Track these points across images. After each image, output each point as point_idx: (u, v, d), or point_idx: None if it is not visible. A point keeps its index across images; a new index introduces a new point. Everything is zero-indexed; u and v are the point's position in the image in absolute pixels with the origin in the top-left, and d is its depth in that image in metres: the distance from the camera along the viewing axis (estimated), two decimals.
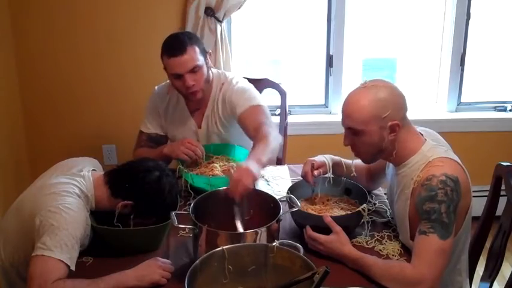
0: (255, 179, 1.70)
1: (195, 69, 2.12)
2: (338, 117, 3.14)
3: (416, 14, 3.32)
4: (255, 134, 2.07)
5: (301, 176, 1.95)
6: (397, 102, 1.63)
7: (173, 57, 2.10)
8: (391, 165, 1.81)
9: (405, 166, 1.67)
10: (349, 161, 2.01)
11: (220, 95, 2.28)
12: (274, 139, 2.01)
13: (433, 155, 1.62)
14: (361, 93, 1.64)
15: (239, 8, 2.85)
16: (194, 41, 2.16)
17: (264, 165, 1.84)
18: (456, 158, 1.64)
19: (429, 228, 1.52)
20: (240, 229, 1.65)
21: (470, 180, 1.65)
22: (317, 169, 1.92)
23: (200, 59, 2.14)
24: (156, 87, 2.40)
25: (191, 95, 2.18)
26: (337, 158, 1.99)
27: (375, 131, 1.61)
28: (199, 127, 2.34)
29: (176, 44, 2.11)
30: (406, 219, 1.67)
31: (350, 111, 1.64)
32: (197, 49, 2.13)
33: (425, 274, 1.50)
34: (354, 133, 1.65)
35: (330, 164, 1.95)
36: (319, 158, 1.96)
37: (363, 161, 1.76)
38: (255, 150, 1.92)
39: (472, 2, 3.06)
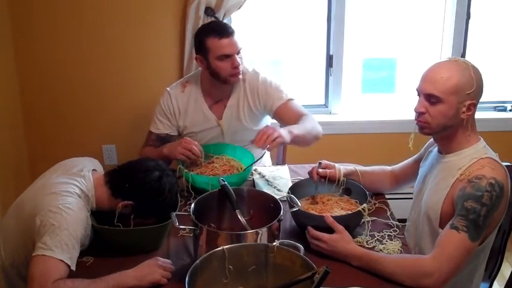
0: (280, 135, 1.96)
1: (239, 52, 2.24)
2: (338, 117, 3.22)
3: (416, 14, 3.32)
4: (297, 122, 2.23)
5: (308, 173, 1.99)
6: (481, 84, 1.63)
7: (225, 38, 2.19)
8: (432, 153, 1.81)
9: (456, 155, 1.67)
10: (365, 168, 2.03)
11: (247, 86, 2.36)
12: (312, 122, 2.25)
13: (486, 153, 1.63)
14: (451, 63, 1.63)
15: (239, 8, 2.85)
16: None
17: (293, 135, 2.04)
18: (505, 167, 1.64)
19: (463, 226, 1.52)
20: (248, 228, 1.64)
21: None
22: (324, 168, 1.94)
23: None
24: (168, 89, 2.40)
25: (234, 77, 2.26)
26: (350, 167, 2.00)
27: (454, 104, 1.60)
28: (220, 118, 2.37)
29: (226, 27, 2.24)
30: (439, 208, 1.66)
31: (436, 78, 1.62)
32: None
33: (444, 266, 1.50)
34: (431, 101, 1.63)
35: (342, 172, 1.95)
36: (332, 163, 1.99)
37: (426, 131, 1.70)
38: (288, 126, 2.08)
39: (472, 2, 3.05)
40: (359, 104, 3.36)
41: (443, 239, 1.55)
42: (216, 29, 2.22)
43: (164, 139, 2.37)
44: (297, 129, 2.11)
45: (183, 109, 2.37)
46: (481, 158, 1.61)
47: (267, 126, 2.08)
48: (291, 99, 2.34)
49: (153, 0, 2.91)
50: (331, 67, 3.15)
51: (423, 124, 1.67)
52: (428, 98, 1.63)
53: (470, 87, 1.60)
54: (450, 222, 1.56)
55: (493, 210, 1.54)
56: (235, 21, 3.08)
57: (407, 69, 3.60)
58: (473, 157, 1.63)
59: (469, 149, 1.66)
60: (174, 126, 2.39)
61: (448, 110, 1.61)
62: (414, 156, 1.97)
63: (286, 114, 2.32)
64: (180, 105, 2.36)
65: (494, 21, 3.32)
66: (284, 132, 2.03)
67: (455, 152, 1.68)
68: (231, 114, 2.37)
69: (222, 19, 2.85)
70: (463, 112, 1.61)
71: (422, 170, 1.85)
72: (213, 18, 2.83)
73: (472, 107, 1.62)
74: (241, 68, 2.25)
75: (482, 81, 1.64)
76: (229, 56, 2.20)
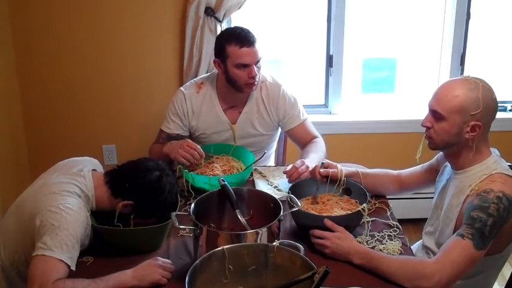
0: (308, 171, 2.02)
1: (258, 62, 2.23)
2: (338, 117, 3.22)
3: (416, 14, 3.32)
4: (307, 144, 2.36)
5: (310, 172, 2.00)
6: (490, 106, 1.63)
7: (246, 47, 2.18)
8: (447, 169, 1.81)
9: (466, 172, 1.67)
10: (368, 170, 2.03)
11: (263, 96, 2.37)
12: (322, 148, 2.34)
13: (496, 169, 1.63)
14: (460, 83, 1.63)
15: (239, 7, 2.85)
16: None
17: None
18: None
19: (468, 234, 1.52)
20: (248, 228, 1.64)
21: None
22: (326, 168, 1.95)
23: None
24: (182, 89, 2.39)
25: (249, 86, 2.26)
26: (352, 169, 2.01)
27: (457, 123, 1.61)
28: (234, 123, 2.38)
29: (248, 36, 2.21)
30: (452, 225, 1.66)
31: (442, 95, 1.64)
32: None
33: (445, 270, 1.51)
34: (436, 117, 1.65)
35: (343, 173, 1.96)
36: (334, 162, 2.00)
37: (431, 146, 1.72)
38: (309, 157, 2.18)
39: (472, 2, 3.06)
40: (359, 104, 3.37)
41: (448, 244, 1.56)
42: (238, 37, 2.20)
43: (174, 139, 2.35)
44: (315, 162, 2.12)
45: (197, 110, 2.37)
46: (491, 174, 1.61)
47: (302, 161, 2.07)
48: (306, 119, 2.43)
49: (153, 0, 2.91)
50: (331, 67, 3.15)
51: (428, 138, 1.71)
52: (434, 114, 1.66)
53: (476, 109, 1.59)
54: (457, 231, 1.57)
55: (501, 221, 1.54)
56: (236, 21, 3.08)
57: (407, 69, 3.60)
58: (484, 173, 1.63)
59: (479, 165, 1.66)
60: (186, 126, 2.39)
61: (450, 128, 1.62)
62: (424, 165, 1.96)
63: (299, 134, 2.41)
64: (194, 106, 2.36)
65: (494, 21, 3.32)
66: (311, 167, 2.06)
67: (465, 169, 1.68)
68: (245, 120, 2.38)
69: (222, 19, 2.85)
70: (467, 132, 1.61)
71: (439, 184, 1.85)
72: (213, 18, 2.83)
73: (477, 128, 1.61)
74: (257, 78, 2.24)
75: (492, 102, 1.63)
76: (248, 66, 2.20)
